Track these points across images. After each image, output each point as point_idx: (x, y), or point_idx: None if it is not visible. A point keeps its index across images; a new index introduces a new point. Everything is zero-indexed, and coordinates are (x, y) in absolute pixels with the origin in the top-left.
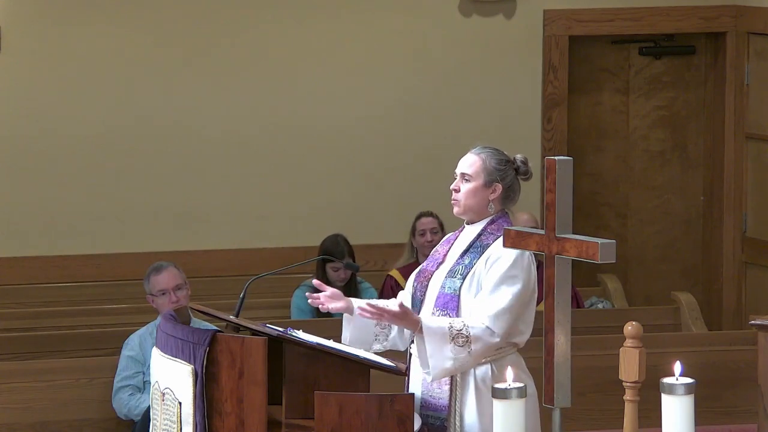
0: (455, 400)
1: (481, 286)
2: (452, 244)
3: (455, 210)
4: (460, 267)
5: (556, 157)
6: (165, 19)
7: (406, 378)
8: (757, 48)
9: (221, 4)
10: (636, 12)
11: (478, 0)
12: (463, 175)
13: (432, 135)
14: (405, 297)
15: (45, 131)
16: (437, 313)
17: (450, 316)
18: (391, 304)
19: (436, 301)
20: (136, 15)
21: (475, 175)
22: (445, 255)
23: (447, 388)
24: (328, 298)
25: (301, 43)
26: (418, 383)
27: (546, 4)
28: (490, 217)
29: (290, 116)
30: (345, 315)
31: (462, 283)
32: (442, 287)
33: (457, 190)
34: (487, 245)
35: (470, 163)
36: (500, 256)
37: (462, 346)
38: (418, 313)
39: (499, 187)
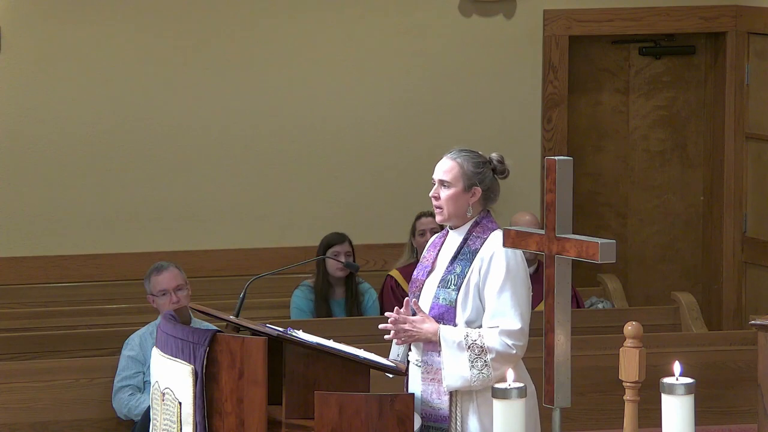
0: (456, 407)
1: (480, 297)
2: (439, 250)
3: (439, 218)
4: (453, 276)
5: (556, 157)
6: (165, 18)
7: (405, 386)
8: (757, 48)
9: (222, 4)
10: (636, 12)
11: (478, 0)
12: (441, 181)
13: (432, 135)
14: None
15: (45, 131)
16: None
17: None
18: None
19: (430, 312)
20: (137, 14)
21: (453, 181)
22: (433, 261)
23: (446, 398)
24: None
25: (299, 44)
26: (417, 393)
27: (546, 4)
28: (474, 220)
29: (290, 116)
30: None
31: (457, 294)
32: (436, 298)
33: (437, 197)
34: (476, 251)
35: (448, 168)
36: (491, 267)
37: (478, 355)
38: None
39: (479, 191)
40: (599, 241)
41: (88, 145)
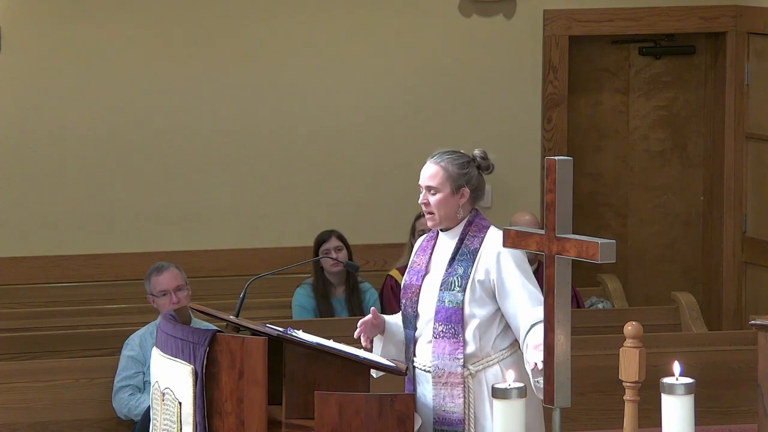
0: (469, 408)
1: (493, 296)
2: (431, 253)
3: (431, 223)
4: (456, 278)
5: (556, 157)
6: (165, 18)
7: (412, 389)
8: (757, 48)
9: (222, 4)
10: (636, 12)
11: (478, 0)
12: (428, 187)
13: (432, 135)
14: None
15: (45, 131)
16: (440, 327)
17: (455, 330)
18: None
19: (436, 315)
20: (136, 14)
21: (440, 186)
22: (426, 265)
23: (461, 401)
24: (365, 330)
25: (300, 43)
26: (428, 399)
27: (546, 4)
28: (466, 219)
29: (290, 116)
30: (377, 336)
31: (464, 295)
32: (441, 301)
33: (427, 204)
34: (476, 250)
35: (432, 174)
36: (503, 265)
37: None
38: (414, 329)
39: (467, 191)
40: (599, 241)
41: (88, 145)
